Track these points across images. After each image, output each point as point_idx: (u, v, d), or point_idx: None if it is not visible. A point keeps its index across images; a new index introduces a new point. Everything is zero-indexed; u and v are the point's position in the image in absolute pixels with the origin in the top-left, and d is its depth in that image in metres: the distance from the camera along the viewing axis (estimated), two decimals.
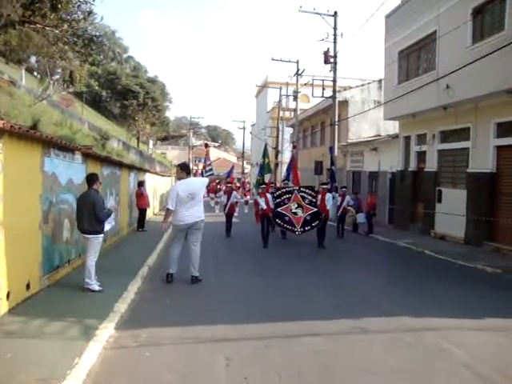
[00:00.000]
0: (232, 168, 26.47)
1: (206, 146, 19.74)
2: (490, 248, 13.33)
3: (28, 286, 6.76)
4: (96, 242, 7.56)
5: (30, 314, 6.02)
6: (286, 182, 18.61)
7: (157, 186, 25.74)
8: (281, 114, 38.09)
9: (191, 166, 60.28)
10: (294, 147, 23.28)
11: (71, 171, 8.83)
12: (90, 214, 7.38)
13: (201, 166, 23.27)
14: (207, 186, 9.51)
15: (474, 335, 5.99)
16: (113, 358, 4.96)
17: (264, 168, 20.64)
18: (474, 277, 10.09)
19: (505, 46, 11.08)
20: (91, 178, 7.75)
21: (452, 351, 5.34)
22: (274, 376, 4.60)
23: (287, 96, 36.32)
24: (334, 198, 14.78)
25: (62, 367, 4.46)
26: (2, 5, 10.00)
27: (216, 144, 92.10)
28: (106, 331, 5.59)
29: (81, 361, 4.64)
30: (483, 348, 5.54)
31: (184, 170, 8.68)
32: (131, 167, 16.96)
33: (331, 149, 19.31)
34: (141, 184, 16.80)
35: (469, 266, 11.20)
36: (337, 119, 22.17)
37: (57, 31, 12.06)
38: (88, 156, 10.06)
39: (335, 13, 21.42)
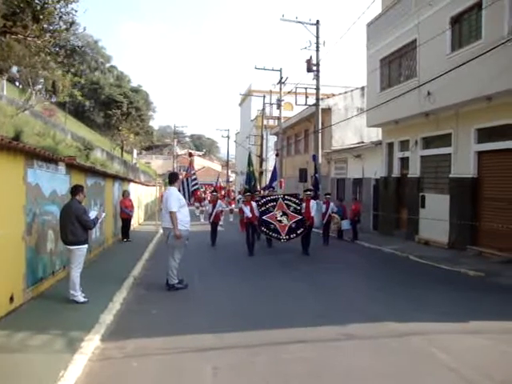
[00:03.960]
0: (218, 177, 26.54)
1: (190, 155, 19.62)
2: (473, 252, 13.49)
3: (11, 299, 6.67)
4: (80, 254, 7.50)
5: (13, 328, 5.95)
6: (271, 189, 18.65)
7: (141, 195, 25.61)
8: (265, 122, 38.26)
9: None
10: (276, 155, 23.37)
11: (55, 182, 8.77)
12: (72, 225, 7.33)
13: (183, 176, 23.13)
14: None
15: (458, 338, 6.06)
16: (99, 370, 4.92)
17: (250, 176, 20.64)
18: (458, 281, 10.21)
19: (482, 54, 11.32)
20: (74, 189, 7.74)
21: (437, 355, 5.40)
22: None
23: (271, 104, 36.55)
24: (317, 204, 14.83)
25: (46, 381, 4.41)
26: None
27: (200, 153, 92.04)
28: (92, 343, 5.54)
29: (66, 373, 4.59)
30: (468, 351, 5.60)
31: (171, 179, 9.27)
32: (115, 177, 16.86)
33: (314, 157, 19.42)
34: (124, 194, 16.68)
35: (452, 270, 11.33)
36: (320, 127, 22.32)
37: (39, 42, 11.96)
38: (72, 166, 10.00)
39: (317, 21, 21.61)
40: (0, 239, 6.21)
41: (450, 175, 14.85)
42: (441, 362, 5.20)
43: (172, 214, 8.67)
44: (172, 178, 9.26)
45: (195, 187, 17.92)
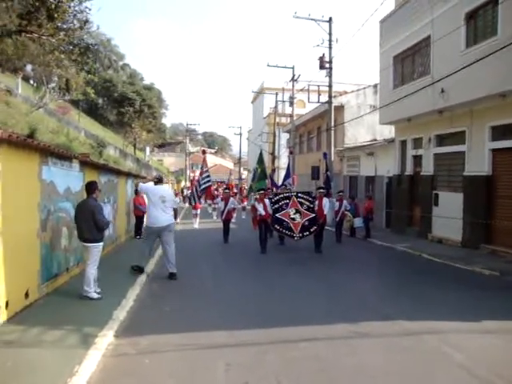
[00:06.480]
0: (230, 174, 26.66)
1: (204, 152, 19.70)
2: (486, 250, 13.37)
3: (27, 295, 6.76)
4: (96, 251, 7.57)
5: (29, 323, 6.03)
6: (283, 186, 18.65)
7: None
8: (277, 120, 38.17)
9: (188, 172, 60.45)
10: (290, 152, 23.36)
11: (69, 179, 8.84)
12: (88, 223, 7.39)
13: (198, 173, 23.37)
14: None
15: (471, 338, 6.02)
16: (112, 366, 4.97)
17: (258, 174, 20.67)
18: (472, 280, 10.12)
19: (498, 51, 11.18)
20: (90, 186, 7.77)
21: (450, 354, 5.37)
22: (273, 381, 4.62)
23: (283, 102, 36.45)
24: (330, 202, 14.80)
25: (61, 375, 4.46)
26: None
27: (213, 150, 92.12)
28: (106, 339, 5.60)
29: (80, 369, 4.65)
30: (481, 350, 5.57)
31: (158, 180, 10.09)
32: (128, 174, 16.96)
33: (325, 155, 19.37)
34: (137, 191, 16.77)
35: (466, 268, 11.24)
36: (333, 124, 22.24)
37: (53, 40, 12.09)
38: (85, 164, 10.08)
39: (330, 19, 21.53)
40: (15, 236, 6.29)
41: (464, 173, 14.71)
42: (453, 361, 5.17)
43: (176, 210, 10.03)
44: (161, 179, 10.15)
45: (207, 184, 17.99)
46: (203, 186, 17.92)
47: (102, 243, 7.74)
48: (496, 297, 8.49)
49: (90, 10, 12.57)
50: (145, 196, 10.34)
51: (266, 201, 13.94)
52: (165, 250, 9.71)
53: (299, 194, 14.36)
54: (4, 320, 5.97)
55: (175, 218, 10.15)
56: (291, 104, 30.67)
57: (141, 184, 10.58)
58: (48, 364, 4.79)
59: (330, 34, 21.54)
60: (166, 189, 10.08)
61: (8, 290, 6.06)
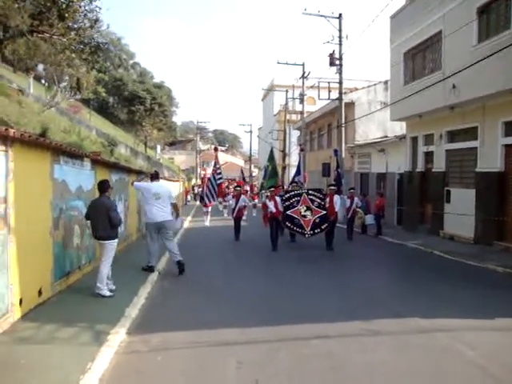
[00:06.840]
0: (241, 172, 26.68)
1: (216, 149, 19.70)
2: (499, 248, 13.25)
3: (40, 292, 6.83)
4: (110, 248, 7.66)
5: (42, 320, 6.09)
6: (294, 183, 18.64)
7: None
8: (287, 117, 38.09)
9: (199, 170, 60.63)
10: (301, 150, 23.31)
11: (80, 178, 8.90)
12: (103, 220, 7.47)
13: (209, 171, 23.41)
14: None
15: (485, 335, 5.98)
16: (125, 363, 5.01)
17: (269, 172, 20.66)
18: (485, 277, 10.03)
19: (511, 45, 11.05)
20: (103, 185, 7.84)
21: (464, 352, 5.34)
22: (285, 378, 4.63)
23: (293, 99, 36.34)
24: (341, 199, 14.76)
25: (74, 372, 4.51)
26: (11, 16, 10.14)
27: (223, 148, 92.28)
28: (118, 336, 5.64)
29: (93, 366, 4.69)
30: (495, 348, 5.52)
31: (154, 176, 10.28)
32: (139, 173, 17.03)
33: (336, 151, 19.30)
34: None
35: (479, 266, 11.14)
36: (343, 121, 22.15)
37: (64, 39, 12.19)
38: (97, 162, 10.14)
39: (340, 15, 21.42)
40: (28, 234, 6.34)
41: (476, 169, 14.58)
42: (467, 359, 5.13)
43: (177, 204, 10.20)
44: (157, 175, 10.35)
45: (220, 181, 18.02)
46: (218, 182, 17.95)
47: (116, 240, 7.82)
48: (509, 294, 8.40)
49: (100, 9, 12.67)
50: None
51: (277, 198, 13.92)
52: (166, 246, 9.88)
53: (310, 191, 14.31)
54: (18, 317, 6.04)
55: (177, 214, 10.18)
56: (301, 101, 30.54)
57: (135, 183, 10.54)
58: (61, 361, 4.83)
59: (339, 30, 21.42)
60: (161, 185, 10.22)
61: (22, 288, 6.12)
